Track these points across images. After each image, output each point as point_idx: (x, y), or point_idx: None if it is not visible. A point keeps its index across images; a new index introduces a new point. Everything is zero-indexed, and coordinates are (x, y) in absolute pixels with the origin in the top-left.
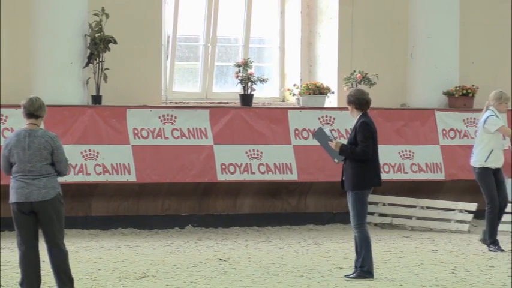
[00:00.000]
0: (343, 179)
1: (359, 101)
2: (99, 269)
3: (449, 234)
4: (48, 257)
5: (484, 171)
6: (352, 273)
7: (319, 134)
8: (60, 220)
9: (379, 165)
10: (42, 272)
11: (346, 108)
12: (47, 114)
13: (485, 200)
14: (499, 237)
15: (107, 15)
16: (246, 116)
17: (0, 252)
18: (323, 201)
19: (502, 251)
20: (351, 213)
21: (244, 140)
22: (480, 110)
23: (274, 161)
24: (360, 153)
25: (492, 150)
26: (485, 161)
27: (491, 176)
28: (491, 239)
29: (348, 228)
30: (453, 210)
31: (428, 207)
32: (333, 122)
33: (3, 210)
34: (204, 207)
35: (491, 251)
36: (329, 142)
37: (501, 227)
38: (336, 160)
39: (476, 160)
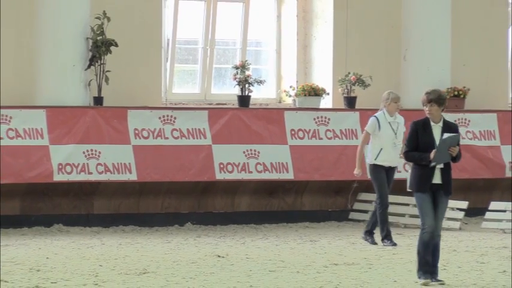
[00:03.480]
0: (438, 182)
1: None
2: (101, 265)
3: (442, 231)
4: None
5: (374, 168)
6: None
7: (445, 141)
8: None
9: None
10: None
11: (341, 109)
12: (51, 115)
13: (376, 196)
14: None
15: (109, 19)
16: (244, 117)
17: (0, 249)
18: (318, 200)
19: (395, 244)
20: (441, 219)
21: (241, 140)
22: (472, 111)
23: (271, 161)
24: (461, 157)
25: (382, 149)
26: (375, 158)
27: (381, 174)
28: (382, 233)
29: (342, 226)
30: None
31: None
32: (327, 123)
33: (3, 208)
34: (203, 205)
35: (365, 239)
36: (452, 148)
37: (492, 224)
38: (434, 164)
39: (368, 157)
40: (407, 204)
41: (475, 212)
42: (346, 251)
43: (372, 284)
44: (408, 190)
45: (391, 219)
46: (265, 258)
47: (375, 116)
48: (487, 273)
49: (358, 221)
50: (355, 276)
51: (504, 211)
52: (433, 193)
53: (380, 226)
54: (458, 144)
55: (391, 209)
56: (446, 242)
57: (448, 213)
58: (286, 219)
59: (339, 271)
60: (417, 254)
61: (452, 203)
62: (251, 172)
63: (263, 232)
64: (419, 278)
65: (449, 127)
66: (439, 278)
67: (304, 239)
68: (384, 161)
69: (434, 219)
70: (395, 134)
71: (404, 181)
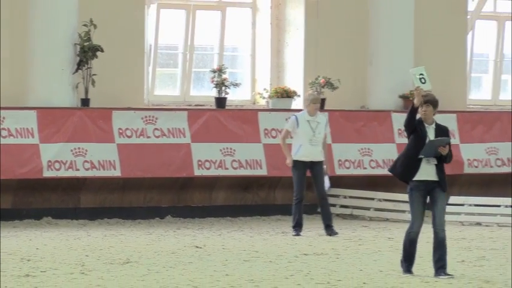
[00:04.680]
0: (434, 179)
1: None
2: (87, 255)
3: (404, 224)
4: None
5: (294, 164)
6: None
7: (434, 142)
8: None
9: None
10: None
11: None
12: (41, 115)
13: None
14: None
15: (95, 26)
16: (221, 117)
17: (0, 241)
18: (290, 194)
19: (298, 235)
20: (443, 214)
21: (218, 139)
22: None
23: (246, 158)
24: (452, 157)
25: (301, 145)
26: (295, 154)
27: (300, 169)
28: (293, 222)
29: (311, 219)
30: (407, 202)
31: (385, 200)
32: None
33: (2, 201)
34: (182, 199)
35: (293, 235)
36: (442, 147)
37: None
38: (423, 155)
39: (292, 154)
40: (373, 199)
41: None
42: (316, 242)
43: (339, 272)
44: (388, 171)
45: (357, 212)
46: (240, 249)
47: (294, 115)
48: (447, 262)
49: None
50: (323, 265)
51: (462, 205)
52: (428, 192)
53: (292, 217)
54: (449, 146)
55: (358, 202)
56: None
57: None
58: (260, 213)
59: (309, 261)
60: (403, 249)
61: None
62: (227, 168)
63: (238, 224)
64: (401, 268)
65: (441, 129)
66: (448, 272)
67: (276, 231)
68: (303, 156)
69: (435, 216)
70: (314, 132)
71: (368, 176)
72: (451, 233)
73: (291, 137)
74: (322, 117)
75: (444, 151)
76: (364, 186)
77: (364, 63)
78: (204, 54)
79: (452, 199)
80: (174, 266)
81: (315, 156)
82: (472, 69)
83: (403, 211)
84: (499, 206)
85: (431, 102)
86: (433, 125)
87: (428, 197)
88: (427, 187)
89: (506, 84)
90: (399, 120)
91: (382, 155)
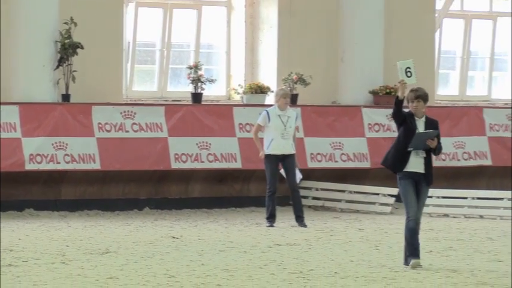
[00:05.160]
0: (420, 171)
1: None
2: (67, 246)
3: (374, 215)
4: None
5: (266, 158)
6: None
7: (422, 135)
8: None
9: None
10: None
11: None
12: (23, 110)
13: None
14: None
15: (75, 24)
16: (197, 112)
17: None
18: (264, 187)
19: (272, 226)
20: (422, 209)
21: (195, 133)
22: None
23: (221, 151)
24: (441, 150)
25: (272, 139)
26: (267, 148)
27: (272, 163)
28: (267, 214)
29: (284, 210)
30: (377, 194)
31: (355, 192)
32: None
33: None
34: (160, 191)
35: (267, 226)
36: (430, 140)
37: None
38: (412, 149)
39: (264, 148)
40: (343, 191)
41: None
42: (288, 233)
43: (311, 262)
44: (381, 164)
45: (329, 204)
46: (216, 239)
47: (266, 110)
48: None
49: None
50: (296, 255)
51: (431, 197)
52: (415, 182)
53: (266, 208)
54: (438, 139)
55: (330, 195)
56: (379, 225)
57: (381, 199)
58: (235, 204)
59: (282, 251)
60: (405, 241)
61: (384, 190)
62: (203, 162)
63: (214, 216)
64: (406, 264)
65: (430, 122)
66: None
67: (250, 222)
68: (275, 149)
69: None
70: (285, 126)
71: (339, 169)
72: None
73: (262, 132)
74: (292, 112)
75: (432, 144)
76: (335, 179)
77: (335, 60)
78: (180, 51)
79: None
80: (152, 256)
81: (287, 150)
82: (440, 66)
83: (373, 203)
84: (466, 198)
85: (422, 97)
86: (423, 118)
87: None
88: (414, 178)
89: (472, 80)
90: (369, 115)
91: (352, 149)
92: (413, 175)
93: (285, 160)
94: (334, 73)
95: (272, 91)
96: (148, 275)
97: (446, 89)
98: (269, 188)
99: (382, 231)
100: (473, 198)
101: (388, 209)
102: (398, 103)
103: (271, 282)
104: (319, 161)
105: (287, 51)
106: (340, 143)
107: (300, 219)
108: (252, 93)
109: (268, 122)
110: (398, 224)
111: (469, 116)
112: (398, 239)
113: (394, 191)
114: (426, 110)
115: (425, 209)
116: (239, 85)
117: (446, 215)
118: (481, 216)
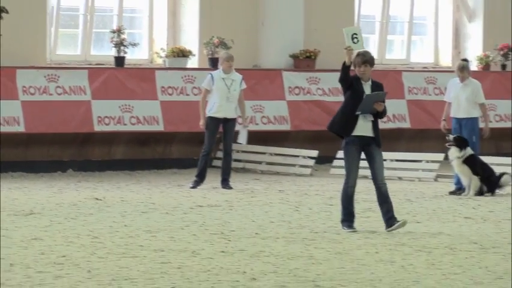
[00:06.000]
0: (370, 135)
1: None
2: None
3: (294, 177)
4: None
5: (208, 120)
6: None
7: (371, 96)
8: None
9: None
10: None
11: (205, 69)
12: None
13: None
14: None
15: None
16: (120, 76)
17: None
18: (186, 149)
19: (195, 188)
20: (382, 169)
21: (117, 96)
22: (322, 70)
23: (144, 114)
24: (386, 113)
25: (215, 102)
26: (209, 111)
27: (213, 125)
28: (196, 173)
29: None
30: (297, 156)
31: (276, 154)
32: (194, 81)
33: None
34: (83, 154)
35: (190, 187)
36: (378, 103)
37: (339, 171)
38: (360, 112)
39: (206, 111)
40: (264, 153)
41: (324, 159)
42: (210, 195)
43: (232, 223)
44: (328, 129)
45: (250, 166)
46: (138, 201)
47: (210, 74)
48: (335, 213)
49: (216, 167)
50: (217, 216)
51: None
52: (363, 147)
53: (197, 167)
54: (383, 101)
55: (250, 157)
56: (299, 187)
57: (301, 161)
58: (157, 166)
59: (203, 212)
60: (341, 206)
61: (304, 152)
62: (126, 124)
63: (136, 178)
64: (343, 228)
65: (376, 85)
66: (398, 219)
67: (172, 184)
68: (217, 112)
69: (374, 170)
70: (229, 89)
71: (260, 132)
72: (339, 186)
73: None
74: (238, 75)
75: (380, 107)
76: (256, 141)
77: (256, 24)
78: (104, 16)
79: (340, 154)
80: (76, 217)
81: (228, 113)
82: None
83: (293, 165)
84: (385, 160)
85: (369, 62)
86: (369, 82)
87: (364, 154)
88: (363, 142)
89: (392, 44)
90: (289, 79)
91: (273, 112)
92: (362, 139)
93: (226, 123)
94: (255, 37)
95: (194, 55)
96: (72, 236)
97: None
98: (204, 148)
99: (302, 192)
100: (392, 160)
101: (308, 170)
102: (345, 69)
103: (192, 243)
104: (240, 124)
105: (209, 15)
106: (260, 105)
107: (225, 182)
108: (174, 56)
109: (212, 85)
110: (318, 185)
111: (388, 79)
112: (318, 201)
113: (314, 153)
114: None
115: (344, 171)
116: (161, 49)
117: (365, 177)
118: (400, 178)
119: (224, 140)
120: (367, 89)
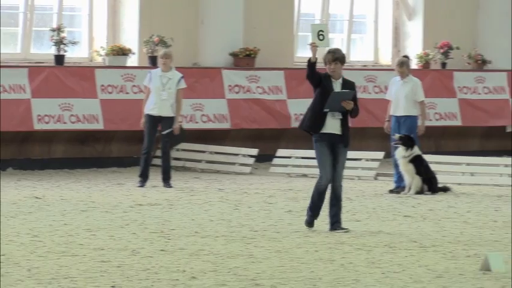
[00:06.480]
0: (338, 133)
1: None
2: None
3: (234, 175)
4: None
5: (145, 118)
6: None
7: (338, 94)
8: None
9: None
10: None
11: (145, 67)
12: None
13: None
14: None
15: None
16: (60, 74)
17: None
18: (125, 147)
19: (142, 186)
20: (342, 171)
21: (57, 95)
22: (262, 69)
23: (83, 113)
24: (358, 112)
25: (151, 100)
26: (147, 108)
27: (150, 123)
28: (139, 173)
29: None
30: (237, 155)
31: (216, 152)
32: (134, 79)
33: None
34: (23, 152)
35: (138, 186)
36: (346, 101)
37: (279, 169)
38: (327, 110)
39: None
40: (204, 152)
41: (264, 158)
42: (150, 193)
43: (172, 222)
44: (299, 128)
45: (189, 164)
46: (78, 200)
47: (150, 71)
48: (274, 212)
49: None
50: (157, 215)
51: (289, 157)
52: (331, 144)
53: (140, 168)
54: (354, 100)
55: (190, 155)
56: (239, 185)
57: (241, 160)
58: (97, 165)
59: (143, 211)
60: (311, 199)
61: (244, 151)
62: (65, 123)
63: (76, 176)
64: (306, 217)
65: (347, 83)
66: (343, 226)
67: (112, 182)
68: (152, 110)
69: (334, 171)
70: (164, 86)
71: (199, 130)
72: (279, 184)
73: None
74: (176, 74)
75: (348, 106)
76: (196, 139)
77: (196, 22)
78: (44, 14)
79: (280, 152)
80: (15, 215)
81: (163, 111)
82: (300, 29)
83: (233, 163)
84: None
85: (339, 59)
86: (340, 80)
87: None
88: (331, 140)
89: (332, 42)
90: (229, 77)
91: (213, 110)
92: (329, 137)
93: (163, 121)
94: (195, 35)
95: (133, 53)
96: (11, 235)
97: (305, 51)
98: (144, 148)
99: (242, 191)
100: None
101: (248, 169)
102: (311, 65)
103: (132, 241)
104: (180, 122)
105: (149, 14)
106: (200, 104)
107: (166, 182)
108: (113, 55)
109: (150, 83)
110: (257, 184)
111: None
112: (257, 199)
113: (254, 151)
114: (286, 72)
115: (284, 169)
116: (101, 47)
117: (305, 175)
118: None
119: (162, 139)
120: (337, 87)
